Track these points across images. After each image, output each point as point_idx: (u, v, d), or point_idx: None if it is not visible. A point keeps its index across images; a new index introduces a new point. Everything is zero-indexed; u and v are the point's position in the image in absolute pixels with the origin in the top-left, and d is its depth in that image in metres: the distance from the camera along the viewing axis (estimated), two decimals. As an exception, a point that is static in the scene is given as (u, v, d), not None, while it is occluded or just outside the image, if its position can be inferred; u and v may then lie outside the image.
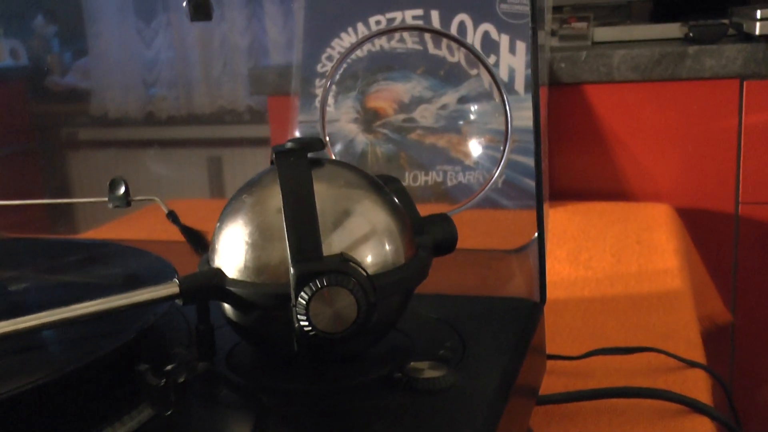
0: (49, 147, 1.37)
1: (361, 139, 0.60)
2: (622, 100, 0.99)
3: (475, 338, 0.38)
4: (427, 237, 0.38)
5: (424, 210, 0.46)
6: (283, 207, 0.33)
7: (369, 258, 0.34)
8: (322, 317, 0.31)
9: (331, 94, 0.61)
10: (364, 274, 0.32)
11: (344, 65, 0.60)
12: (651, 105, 0.98)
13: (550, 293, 0.57)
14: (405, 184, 0.61)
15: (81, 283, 0.42)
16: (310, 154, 0.35)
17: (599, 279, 0.66)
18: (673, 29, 1.06)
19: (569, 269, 0.69)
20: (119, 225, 0.73)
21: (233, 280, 0.34)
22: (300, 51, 0.64)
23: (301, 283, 0.32)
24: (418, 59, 0.58)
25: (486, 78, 0.58)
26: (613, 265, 0.70)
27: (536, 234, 0.46)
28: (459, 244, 0.40)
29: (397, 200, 0.37)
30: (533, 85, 0.42)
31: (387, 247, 0.35)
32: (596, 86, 0.98)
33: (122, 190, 0.45)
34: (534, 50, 0.43)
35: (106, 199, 0.47)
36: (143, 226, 0.66)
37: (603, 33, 1.07)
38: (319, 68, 0.60)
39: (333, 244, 0.33)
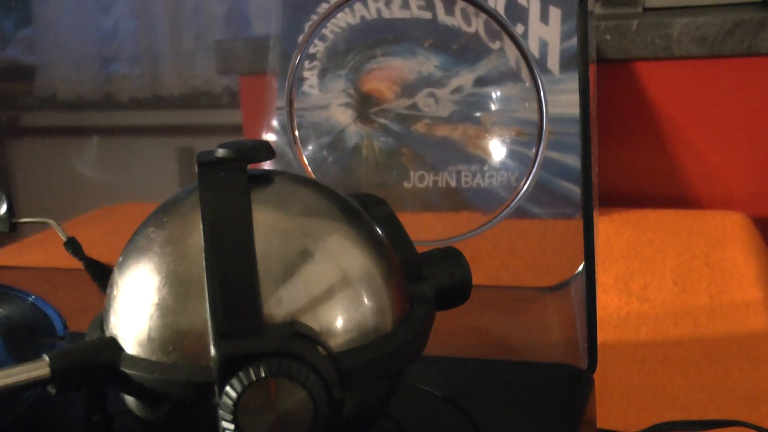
0: (-17, 134, 1.34)
1: (354, 130, 0.56)
2: (683, 81, 0.94)
3: (495, 427, 0.33)
4: (427, 284, 0.32)
5: (431, 225, 0.44)
6: (205, 248, 0.25)
7: (337, 326, 0.27)
8: (259, 424, 0.24)
9: (315, 72, 0.57)
10: (326, 354, 0.25)
11: (326, 34, 0.55)
12: (720, 87, 0.93)
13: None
14: (408, 187, 0.56)
15: None
16: (252, 166, 0.28)
17: (659, 315, 0.60)
18: (749, -9, 1.00)
19: (618, 301, 0.63)
20: (21, 247, 0.68)
21: (132, 358, 0.27)
22: (278, 19, 0.62)
23: (227, 371, 0.24)
24: (425, 29, 0.55)
25: (512, 53, 0.53)
26: (677, 296, 0.64)
27: (582, 266, 0.40)
28: (475, 278, 0.34)
29: (381, 233, 0.30)
30: (581, 61, 0.34)
31: (365, 305, 0.28)
32: (650, 63, 0.93)
33: (2, 209, 0.37)
34: (582, 16, 0.36)
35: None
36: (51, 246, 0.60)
37: (659, -4, 1.02)
38: (311, 48, 0.56)
39: (281, 306, 0.26)
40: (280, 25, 0.61)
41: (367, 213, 0.31)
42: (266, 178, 0.29)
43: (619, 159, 0.97)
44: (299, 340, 0.25)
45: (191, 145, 1.31)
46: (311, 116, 0.57)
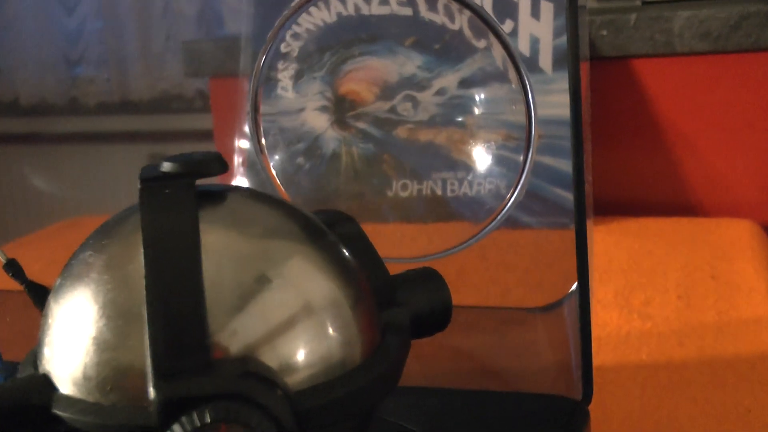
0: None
1: (332, 136, 0.56)
2: (686, 78, 0.93)
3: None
4: (402, 310, 0.30)
5: (414, 238, 0.44)
6: (145, 275, 0.24)
7: (297, 361, 0.25)
8: (205, 476, 0.22)
9: (290, 73, 0.56)
10: (281, 394, 0.23)
11: (300, 33, 0.55)
12: (726, 85, 0.92)
13: (594, 355, 0.50)
14: (390, 195, 0.55)
15: None
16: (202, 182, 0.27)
17: (662, 334, 0.59)
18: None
19: (618, 318, 0.62)
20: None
21: (66, 399, 0.25)
22: (249, 18, 0.60)
23: (169, 415, 0.23)
24: (406, 27, 0.54)
25: (499, 52, 0.52)
26: (681, 312, 0.62)
27: (575, 285, 0.39)
28: (458, 297, 0.32)
29: (349, 254, 0.29)
30: (570, 60, 0.33)
31: (330, 337, 0.26)
32: (650, 61, 0.92)
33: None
34: (572, 10, 0.34)
35: None
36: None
37: (658, -11, 1.01)
38: (282, 46, 0.56)
39: (233, 340, 0.25)
40: (251, 25, 0.60)
41: (333, 232, 0.29)
42: (218, 194, 0.28)
43: (617, 164, 0.96)
44: (251, 380, 0.23)
45: (163, 152, 1.30)
46: (285, 121, 0.56)
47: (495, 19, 0.50)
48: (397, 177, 0.54)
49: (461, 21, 0.52)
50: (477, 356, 0.41)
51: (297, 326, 0.25)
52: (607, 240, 0.81)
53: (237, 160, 0.58)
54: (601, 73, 0.94)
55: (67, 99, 1.49)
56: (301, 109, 0.56)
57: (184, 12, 1.38)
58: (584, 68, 0.40)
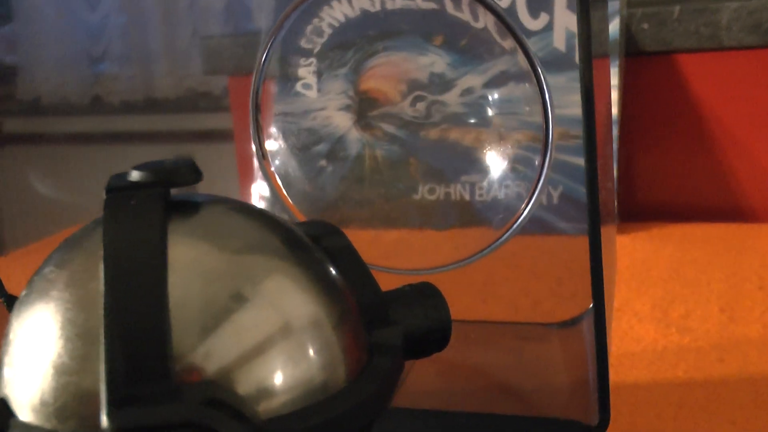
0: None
1: (355, 137, 0.55)
2: (733, 74, 0.92)
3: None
4: (394, 329, 0.29)
5: (440, 246, 0.43)
6: (104, 292, 0.23)
7: (274, 385, 0.25)
8: None
9: (313, 70, 0.56)
10: (247, 424, 0.23)
11: (323, 28, 0.54)
12: None
13: (625, 371, 0.49)
14: (416, 198, 0.55)
15: None
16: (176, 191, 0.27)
17: (701, 349, 0.58)
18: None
19: (655, 332, 0.60)
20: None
21: (23, 426, 0.25)
22: (270, 12, 0.60)
23: None
24: (434, 23, 0.53)
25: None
26: (724, 326, 0.61)
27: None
28: (468, 311, 0.31)
29: (335, 270, 0.28)
30: (582, 57, 0.32)
31: (310, 359, 0.25)
32: (695, 56, 0.91)
33: None
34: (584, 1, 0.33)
35: None
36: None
37: (704, -21, 1.00)
38: (303, 42, 0.56)
39: (200, 364, 0.24)
40: (271, 20, 0.59)
41: (318, 246, 0.28)
42: (192, 206, 0.27)
43: (660, 165, 0.95)
44: (215, 408, 0.22)
45: (190, 153, 1.31)
46: (307, 122, 0.56)
47: (511, 21, 0.49)
48: (424, 181, 0.54)
49: (486, 19, 0.51)
50: (488, 375, 0.40)
51: (273, 348, 0.25)
52: (647, 247, 0.80)
53: (256, 163, 0.58)
54: (642, 69, 0.93)
55: (89, 97, 1.50)
56: (323, 108, 0.56)
57: (210, 6, 1.38)
58: (603, 65, 0.39)
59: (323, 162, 0.56)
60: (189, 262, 0.25)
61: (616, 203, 0.85)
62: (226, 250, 0.26)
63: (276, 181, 0.52)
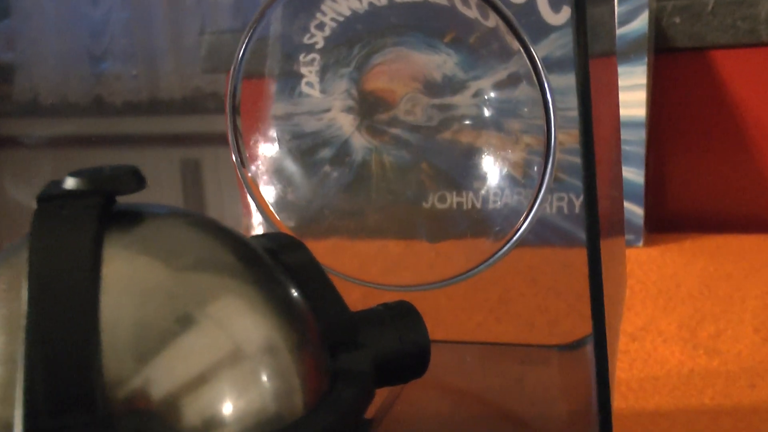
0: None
1: (360, 143, 0.55)
2: None
3: None
4: (362, 353, 0.29)
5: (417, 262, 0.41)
6: (27, 313, 0.23)
7: (219, 415, 0.24)
8: None
9: (315, 69, 0.56)
10: None
11: (325, 22, 0.54)
12: None
13: (647, 397, 0.49)
14: (427, 207, 0.55)
15: None
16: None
17: (731, 373, 0.57)
18: None
19: (681, 354, 0.60)
20: None
21: None
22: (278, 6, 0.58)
23: None
24: (444, 19, 0.53)
25: (538, 51, 0.50)
26: (757, 348, 0.60)
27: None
28: (465, 331, 0.30)
29: (295, 287, 0.27)
30: (578, 54, 0.31)
31: (260, 387, 0.25)
32: (731, 52, 0.91)
33: None
34: None
35: None
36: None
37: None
38: (306, 38, 0.55)
39: (133, 392, 0.23)
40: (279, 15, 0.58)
41: (277, 261, 0.27)
42: (134, 216, 0.26)
43: (693, 171, 0.95)
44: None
45: (197, 157, 1.31)
46: (312, 123, 0.55)
47: (514, 17, 0.49)
48: (436, 188, 0.53)
49: (495, 18, 0.50)
50: (484, 401, 0.39)
51: (219, 375, 0.24)
52: (677, 261, 0.80)
53: (260, 168, 0.57)
54: (673, 67, 0.93)
55: (91, 98, 1.51)
56: (328, 110, 0.55)
57: (219, 0, 1.39)
58: (609, 63, 0.38)
59: (327, 168, 0.56)
60: (126, 279, 0.24)
61: (643, 213, 0.84)
62: (169, 266, 0.25)
63: (257, 190, 0.51)
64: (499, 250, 0.44)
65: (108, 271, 0.24)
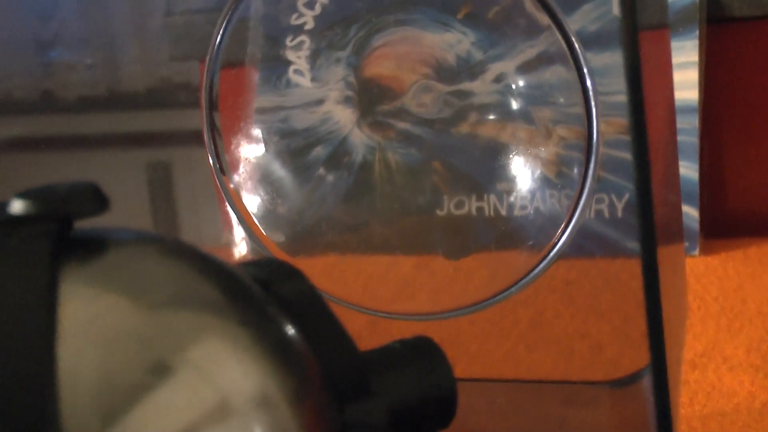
0: None
1: (361, 140, 0.56)
2: None
3: None
4: (375, 402, 0.28)
5: (477, 275, 0.43)
6: None
7: None
8: None
9: (304, 54, 0.57)
10: None
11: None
12: None
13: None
14: (442, 215, 0.55)
15: None
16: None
17: None
18: None
19: (751, 384, 0.60)
20: None
21: None
22: None
23: None
24: None
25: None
26: None
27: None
28: (484, 363, 0.31)
29: (293, 325, 0.27)
30: (625, 26, 0.31)
31: None
32: None
33: None
34: None
35: None
36: None
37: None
38: (293, 18, 0.56)
39: None
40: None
41: (269, 294, 0.27)
42: (96, 244, 0.25)
43: (756, 164, 0.95)
44: None
45: (167, 161, 1.32)
46: (305, 118, 0.56)
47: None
48: (451, 193, 0.54)
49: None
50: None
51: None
52: (742, 272, 0.80)
53: (243, 174, 0.58)
54: (731, 39, 0.93)
55: (38, 92, 1.52)
56: (322, 101, 0.56)
57: (188, -24, 1.40)
58: (661, 37, 0.39)
59: (322, 171, 0.57)
60: (87, 322, 0.24)
61: (698, 215, 0.84)
62: (139, 304, 0.25)
63: (239, 200, 0.51)
64: (535, 267, 0.44)
65: (65, 313, 0.23)
